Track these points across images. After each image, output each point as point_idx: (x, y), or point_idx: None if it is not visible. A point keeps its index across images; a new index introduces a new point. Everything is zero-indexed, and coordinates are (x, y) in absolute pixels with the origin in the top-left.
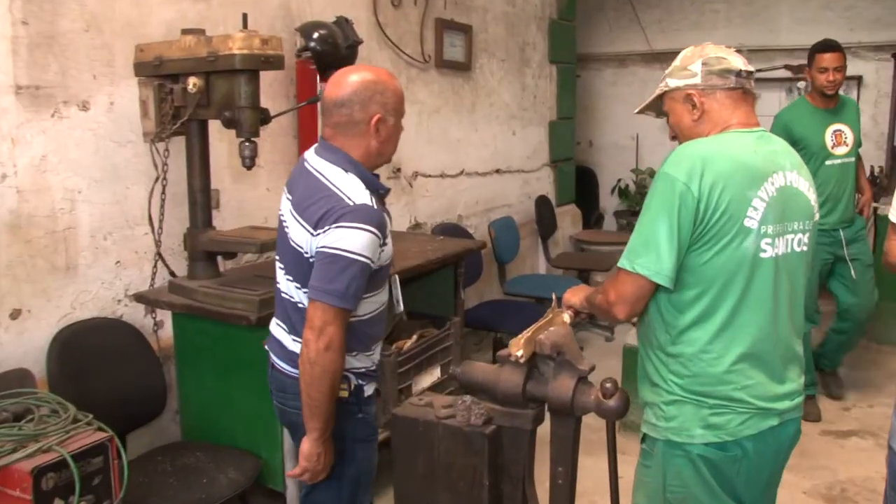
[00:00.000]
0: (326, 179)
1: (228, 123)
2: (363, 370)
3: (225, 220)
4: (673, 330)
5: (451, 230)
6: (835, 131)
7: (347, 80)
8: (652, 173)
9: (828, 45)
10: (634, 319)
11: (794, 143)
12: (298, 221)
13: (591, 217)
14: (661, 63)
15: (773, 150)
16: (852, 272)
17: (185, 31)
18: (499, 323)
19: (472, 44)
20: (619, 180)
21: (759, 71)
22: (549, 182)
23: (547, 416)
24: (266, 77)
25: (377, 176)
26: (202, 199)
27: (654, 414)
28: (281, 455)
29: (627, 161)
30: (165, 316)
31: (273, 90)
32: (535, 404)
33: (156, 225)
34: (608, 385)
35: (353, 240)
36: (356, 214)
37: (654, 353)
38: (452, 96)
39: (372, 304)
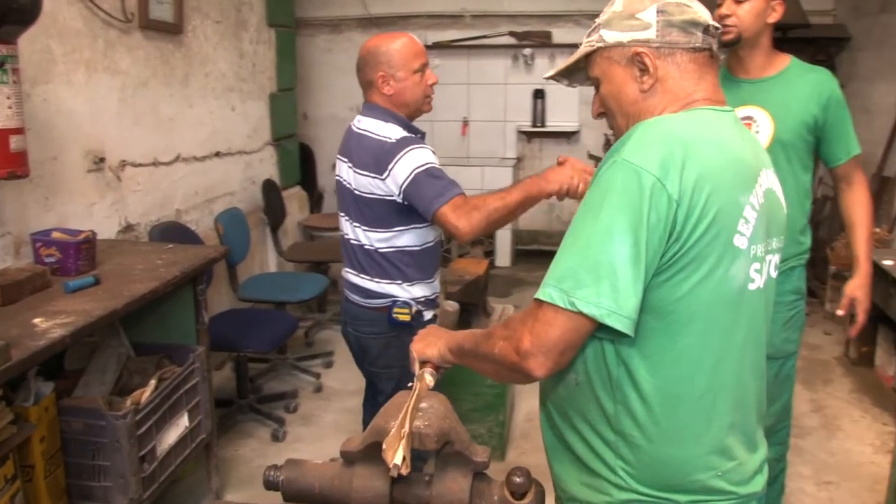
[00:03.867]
0: (370, 132)
1: None
2: (423, 298)
3: None
4: (625, 397)
5: (173, 231)
6: (743, 118)
7: (360, 50)
8: None
9: None
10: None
11: None
12: (361, 174)
13: (311, 198)
14: (379, 28)
15: (753, 137)
16: None
17: None
18: (241, 340)
19: (182, 2)
20: None
21: (482, 38)
22: (273, 163)
23: None
24: None
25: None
26: None
27: None
28: None
29: None
30: None
31: None
32: None
33: None
34: (518, 479)
35: (415, 158)
36: (401, 144)
37: (587, 427)
38: (162, 65)
39: (431, 233)
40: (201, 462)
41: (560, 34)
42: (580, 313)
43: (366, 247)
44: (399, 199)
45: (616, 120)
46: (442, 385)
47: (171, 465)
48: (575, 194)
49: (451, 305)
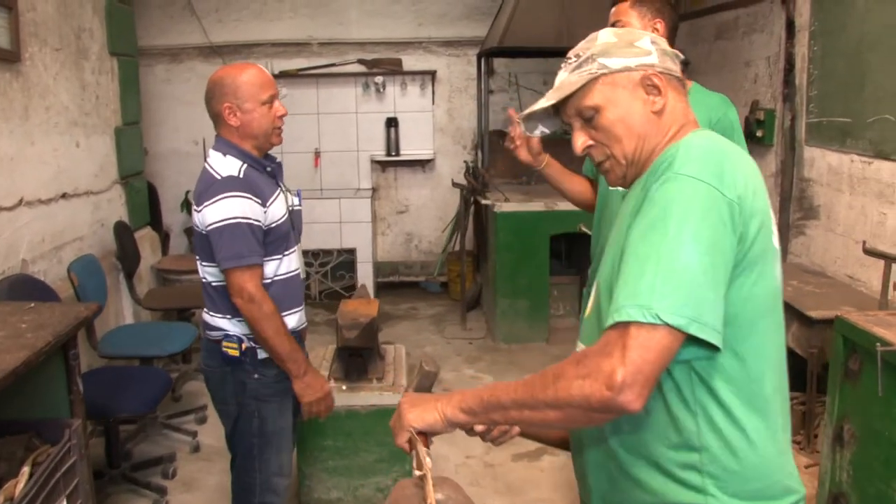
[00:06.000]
0: (208, 165)
1: None
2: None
3: None
4: (705, 410)
5: (23, 285)
6: None
7: (207, 82)
8: None
9: None
10: None
11: None
12: (193, 205)
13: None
14: (222, 57)
15: None
16: None
17: None
18: (114, 403)
19: (18, 26)
20: (188, 192)
21: (331, 66)
22: (122, 203)
23: None
24: None
25: (271, 157)
26: None
27: None
28: None
29: (192, 170)
30: None
31: None
32: None
33: None
34: None
35: (229, 207)
36: (223, 185)
37: (666, 454)
38: None
39: (268, 270)
40: None
41: (410, 61)
42: (666, 325)
43: (203, 281)
44: None
45: (622, 144)
46: (341, 435)
47: None
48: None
49: (432, 365)
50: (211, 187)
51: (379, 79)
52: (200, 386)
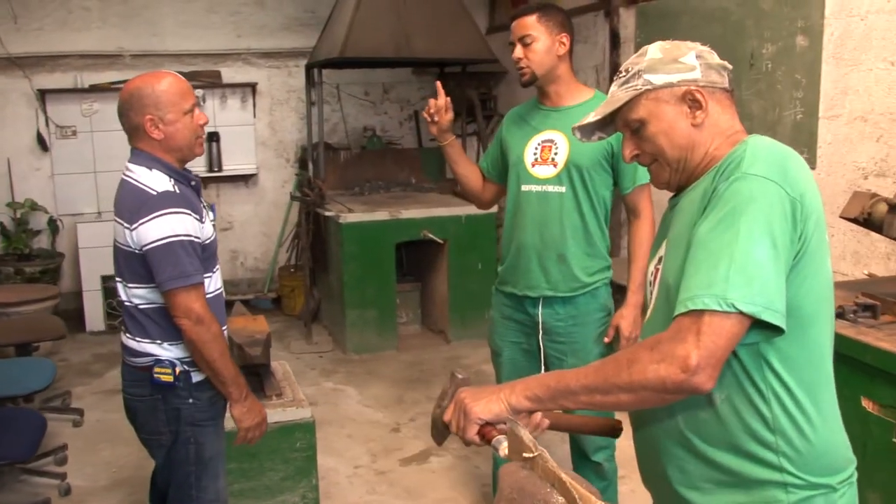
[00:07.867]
0: (134, 179)
1: None
2: (188, 359)
3: None
4: (778, 396)
5: None
6: (543, 141)
7: (121, 93)
8: (34, 205)
9: (519, 9)
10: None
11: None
12: (119, 223)
13: None
14: (23, 69)
15: None
16: None
17: None
18: None
19: None
20: None
21: None
22: None
23: None
24: None
25: (188, 171)
26: None
27: None
28: None
29: None
30: None
31: None
32: None
33: None
34: None
35: (171, 224)
36: (162, 201)
37: (744, 437)
38: None
39: None
40: None
41: (229, 73)
42: (740, 314)
43: (126, 303)
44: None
45: (666, 155)
46: (246, 457)
47: None
48: None
49: (463, 373)
50: (147, 203)
51: (199, 92)
52: (53, 426)
